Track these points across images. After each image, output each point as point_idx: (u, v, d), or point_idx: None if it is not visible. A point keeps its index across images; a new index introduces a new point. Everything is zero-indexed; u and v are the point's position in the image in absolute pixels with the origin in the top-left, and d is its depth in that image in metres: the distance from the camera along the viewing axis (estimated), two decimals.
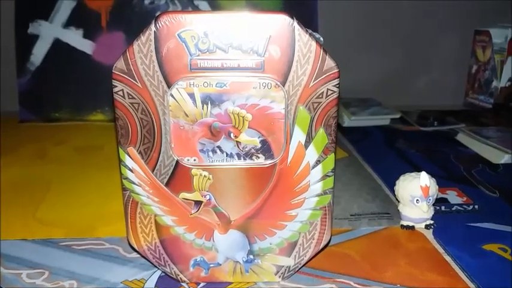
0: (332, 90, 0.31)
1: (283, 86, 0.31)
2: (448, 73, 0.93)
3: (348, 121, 0.76)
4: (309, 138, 0.32)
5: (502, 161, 0.61)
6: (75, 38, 0.78)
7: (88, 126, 0.77)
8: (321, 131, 0.32)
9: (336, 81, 0.31)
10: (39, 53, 0.78)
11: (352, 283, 0.36)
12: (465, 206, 0.49)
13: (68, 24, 0.77)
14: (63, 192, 0.52)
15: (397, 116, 0.78)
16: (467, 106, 0.91)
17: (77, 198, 0.51)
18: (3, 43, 0.81)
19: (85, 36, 0.78)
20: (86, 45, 0.78)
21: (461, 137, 0.70)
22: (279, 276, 0.36)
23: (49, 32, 0.77)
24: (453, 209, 0.48)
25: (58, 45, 0.78)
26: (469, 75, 0.92)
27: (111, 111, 0.79)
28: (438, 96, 0.93)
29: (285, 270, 0.36)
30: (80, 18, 0.78)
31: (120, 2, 0.78)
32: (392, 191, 0.48)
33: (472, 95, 0.91)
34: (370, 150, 0.66)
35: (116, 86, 0.31)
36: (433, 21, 0.90)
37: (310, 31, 0.31)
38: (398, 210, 0.45)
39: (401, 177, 0.45)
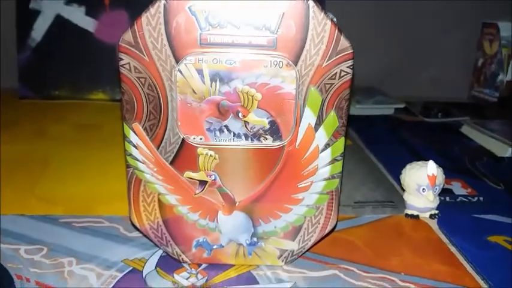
0: (345, 72, 0.30)
1: (295, 66, 0.30)
2: (453, 66, 0.92)
3: (353, 109, 0.75)
4: (319, 121, 0.32)
5: (507, 154, 0.60)
6: (77, 15, 0.76)
7: (88, 104, 0.76)
8: (332, 113, 0.31)
9: (350, 62, 0.30)
10: (40, 29, 0.76)
11: (355, 270, 0.36)
12: (470, 198, 0.48)
13: (70, 0, 0.76)
14: (62, 169, 0.52)
15: (402, 105, 0.78)
16: (472, 99, 0.90)
17: (77, 176, 0.50)
18: (4, 18, 0.79)
19: (87, 13, 0.77)
20: (88, 23, 0.77)
21: (466, 129, 0.70)
22: (282, 260, 0.35)
23: (51, 7, 0.76)
24: (458, 200, 0.48)
25: (59, 22, 0.76)
26: (474, 68, 0.91)
27: (112, 90, 0.78)
28: (442, 89, 0.92)
29: (289, 254, 0.35)
30: None
31: None
32: (397, 180, 0.48)
33: (477, 88, 0.90)
34: (374, 139, 0.65)
35: (123, 59, 0.30)
36: (440, 13, 0.88)
37: (324, 10, 0.30)
38: (403, 198, 0.45)
39: (408, 166, 0.44)
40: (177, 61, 0.30)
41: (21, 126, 0.65)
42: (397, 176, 0.46)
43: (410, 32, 0.89)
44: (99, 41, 0.77)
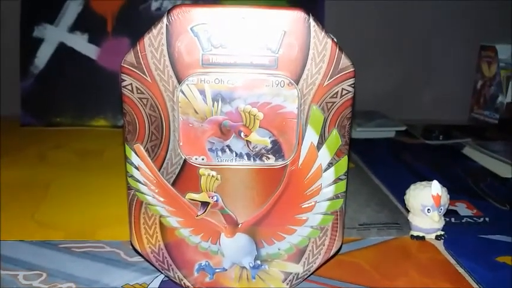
0: (347, 90, 0.30)
1: (297, 85, 0.30)
2: (453, 88, 0.93)
3: (354, 132, 0.75)
4: (322, 140, 0.31)
5: (510, 175, 0.60)
6: (80, 43, 0.77)
7: (90, 131, 0.76)
8: (335, 132, 0.31)
9: (352, 81, 0.30)
10: (43, 56, 0.77)
11: None
12: (475, 218, 0.48)
13: (73, 28, 0.77)
14: (62, 194, 0.51)
15: (403, 128, 0.78)
16: (472, 121, 0.90)
17: (77, 201, 0.49)
18: (8, 46, 0.80)
19: (90, 41, 0.78)
20: (90, 50, 0.78)
21: (468, 151, 0.69)
22: (287, 284, 0.35)
23: (54, 35, 0.77)
24: (463, 221, 0.47)
25: (62, 49, 0.77)
26: (474, 91, 0.92)
27: (113, 117, 0.78)
28: (442, 111, 0.92)
29: (293, 277, 0.34)
30: (86, 23, 0.77)
31: (126, 7, 0.78)
32: (401, 202, 0.47)
33: (477, 110, 0.90)
34: (377, 162, 0.65)
35: (125, 80, 0.30)
36: (439, 36, 0.90)
37: (325, 29, 0.30)
38: (408, 220, 0.44)
39: (412, 186, 0.43)
40: (179, 82, 0.30)
41: (22, 152, 0.65)
42: (400, 198, 0.46)
43: (409, 55, 0.90)
44: (101, 68, 0.78)
